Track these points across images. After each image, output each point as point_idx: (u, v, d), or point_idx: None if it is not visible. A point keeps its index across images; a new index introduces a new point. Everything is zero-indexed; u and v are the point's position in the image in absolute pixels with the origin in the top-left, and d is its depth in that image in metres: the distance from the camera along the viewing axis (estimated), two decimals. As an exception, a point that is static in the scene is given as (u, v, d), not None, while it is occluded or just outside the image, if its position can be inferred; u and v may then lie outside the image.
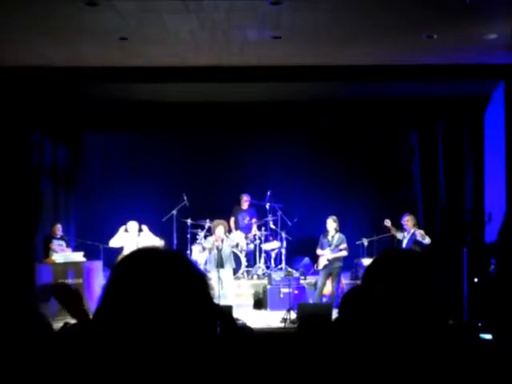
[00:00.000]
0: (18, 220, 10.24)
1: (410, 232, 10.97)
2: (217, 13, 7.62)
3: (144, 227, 11.85)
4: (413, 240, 10.84)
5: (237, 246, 11.89)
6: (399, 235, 11.25)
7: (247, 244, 13.31)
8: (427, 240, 10.74)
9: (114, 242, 11.76)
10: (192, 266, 1.43)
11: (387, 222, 11.42)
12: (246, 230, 13.70)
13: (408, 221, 11.00)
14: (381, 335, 1.62)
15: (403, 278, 1.66)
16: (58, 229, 12.08)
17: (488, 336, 7.71)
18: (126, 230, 11.79)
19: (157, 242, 11.57)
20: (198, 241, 13.01)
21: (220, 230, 10.97)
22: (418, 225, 11.22)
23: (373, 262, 1.79)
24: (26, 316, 2.39)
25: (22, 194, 10.60)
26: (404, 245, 10.89)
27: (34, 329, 2.34)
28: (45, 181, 12.55)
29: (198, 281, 1.41)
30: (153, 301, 1.33)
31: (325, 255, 11.23)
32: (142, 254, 1.44)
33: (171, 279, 1.37)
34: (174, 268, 1.39)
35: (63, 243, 12.07)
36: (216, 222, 11.25)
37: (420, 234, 10.78)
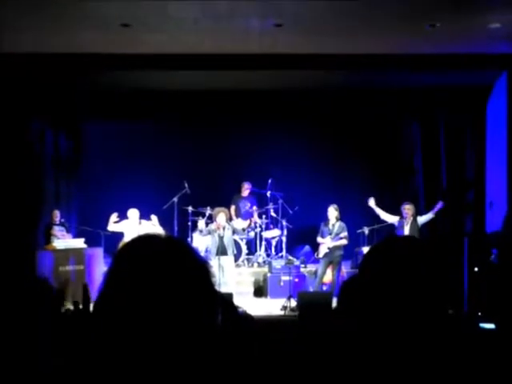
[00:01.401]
0: (19, 208, 10.25)
1: (409, 220, 10.95)
2: (219, 0, 7.60)
3: (153, 217, 11.83)
4: (415, 228, 10.85)
5: (243, 230, 11.87)
6: (391, 218, 11.22)
7: (248, 232, 13.32)
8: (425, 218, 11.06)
9: (110, 227, 11.79)
10: (194, 254, 1.43)
11: (371, 202, 11.32)
12: (247, 217, 13.70)
13: (409, 209, 10.95)
14: (379, 323, 1.62)
15: (403, 264, 1.64)
16: (57, 215, 12.13)
17: (488, 325, 7.72)
18: (117, 220, 11.76)
19: (159, 231, 11.50)
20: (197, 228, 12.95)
21: (221, 217, 10.96)
22: (419, 214, 11.21)
23: (372, 249, 1.76)
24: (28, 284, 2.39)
25: (24, 183, 10.60)
26: (406, 233, 10.85)
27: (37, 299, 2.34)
28: (46, 169, 12.59)
29: (200, 268, 1.41)
30: (154, 288, 1.33)
31: (325, 243, 11.20)
32: (144, 241, 1.44)
33: (173, 266, 1.37)
34: (175, 255, 1.39)
35: (64, 229, 12.14)
36: (217, 209, 11.23)
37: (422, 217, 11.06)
